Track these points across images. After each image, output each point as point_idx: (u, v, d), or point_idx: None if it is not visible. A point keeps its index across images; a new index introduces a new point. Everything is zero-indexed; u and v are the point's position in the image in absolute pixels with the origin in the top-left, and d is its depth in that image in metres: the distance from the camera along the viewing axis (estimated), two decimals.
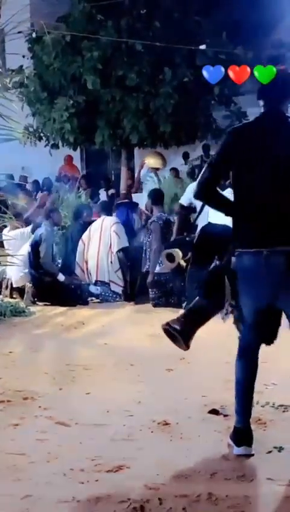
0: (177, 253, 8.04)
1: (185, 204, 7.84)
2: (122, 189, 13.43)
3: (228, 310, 3.70)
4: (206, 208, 7.38)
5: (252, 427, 3.77)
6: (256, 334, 3.65)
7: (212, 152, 14.15)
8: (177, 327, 3.82)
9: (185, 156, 14.72)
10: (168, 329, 3.88)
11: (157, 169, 12.77)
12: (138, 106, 12.61)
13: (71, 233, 9.42)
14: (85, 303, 8.50)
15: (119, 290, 8.68)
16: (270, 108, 3.60)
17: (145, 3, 12.60)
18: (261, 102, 3.64)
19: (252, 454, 3.59)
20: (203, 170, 3.71)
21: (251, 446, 3.62)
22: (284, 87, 3.65)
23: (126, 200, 10.71)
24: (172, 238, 8.20)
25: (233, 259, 3.60)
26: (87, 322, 7.40)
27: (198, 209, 7.63)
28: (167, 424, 4.10)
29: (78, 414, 4.30)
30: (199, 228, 7.57)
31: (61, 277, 8.55)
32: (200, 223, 7.45)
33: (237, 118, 14.40)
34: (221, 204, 3.74)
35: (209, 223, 7.24)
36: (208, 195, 3.72)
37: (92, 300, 8.71)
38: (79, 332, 6.96)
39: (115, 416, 4.27)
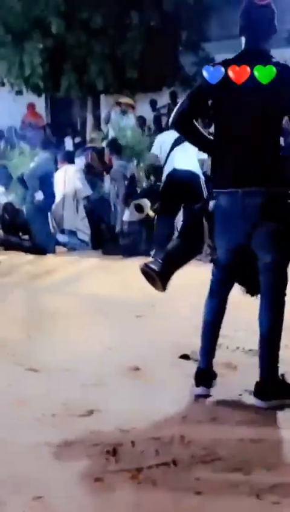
0: (146, 203, 7.99)
1: (158, 153, 7.72)
2: (89, 136, 13.24)
3: (206, 251, 3.68)
4: (172, 153, 7.33)
5: (223, 371, 3.79)
6: (227, 275, 3.61)
7: (179, 99, 13.98)
8: (155, 268, 3.81)
9: (153, 104, 14.49)
10: (146, 270, 3.86)
11: (130, 106, 12.52)
12: (104, 50, 12.33)
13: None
14: (53, 251, 8.41)
15: (86, 238, 8.61)
16: (253, 45, 3.50)
17: None
18: (243, 39, 3.54)
19: (209, 395, 3.60)
20: (181, 101, 3.62)
21: (209, 387, 3.62)
22: (268, 23, 3.52)
23: (93, 145, 10.55)
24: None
25: (210, 200, 3.54)
26: (55, 271, 7.33)
27: (164, 156, 7.56)
28: (137, 369, 4.09)
29: (47, 360, 4.27)
30: (164, 175, 7.48)
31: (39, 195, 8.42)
32: (167, 169, 7.36)
33: (205, 64, 14.20)
34: (197, 138, 3.65)
35: (174, 168, 7.14)
36: (185, 126, 3.62)
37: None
38: (47, 281, 6.90)
39: (85, 362, 4.24)
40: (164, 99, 14.23)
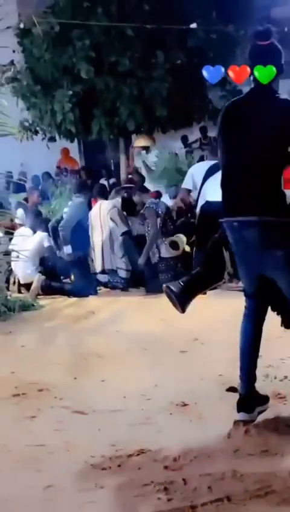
0: (181, 239, 7.99)
1: (190, 188, 7.75)
2: (123, 177, 13.36)
3: (226, 279, 3.80)
4: (205, 185, 7.35)
5: (271, 401, 3.72)
6: (256, 303, 3.67)
7: (210, 134, 14.05)
8: (175, 289, 3.89)
9: (184, 140, 14.60)
10: (167, 291, 3.95)
11: (145, 148, 12.68)
12: (132, 92, 12.50)
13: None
14: (94, 293, 8.43)
15: (127, 275, 8.56)
16: (259, 84, 3.59)
17: None
18: (251, 78, 3.64)
19: (252, 421, 3.56)
20: None
21: (251, 413, 3.60)
22: (271, 61, 3.58)
23: (130, 185, 10.62)
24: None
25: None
26: (98, 311, 7.34)
27: (197, 189, 7.57)
28: (185, 405, 4.05)
29: (94, 402, 4.25)
30: (198, 208, 7.48)
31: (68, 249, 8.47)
32: (200, 202, 7.37)
33: (232, 97, 14.25)
34: None
35: (207, 201, 7.15)
36: None
37: (100, 289, 8.64)
38: (90, 322, 6.90)
39: (132, 401, 4.22)
40: (195, 134, 14.33)
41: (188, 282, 3.96)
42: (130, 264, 8.51)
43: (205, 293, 4.26)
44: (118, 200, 8.85)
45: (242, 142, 3.51)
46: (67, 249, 8.48)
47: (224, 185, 3.63)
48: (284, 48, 3.72)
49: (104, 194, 9.21)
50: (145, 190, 10.15)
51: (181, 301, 3.90)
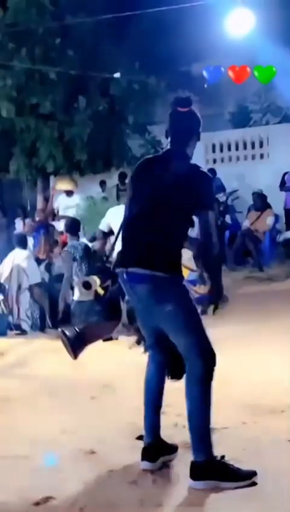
0: (94, 280, 7.95)
1: (106, 230, 7.79)
2: (39, 216, 13.30)
3: (119, 329, 3.95)
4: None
5: (180, 451, 3.75)
6: (157, 352, 3.78)
7: (128, 180, 14.22)
8: (69, 335, 3.91)
9: (102, 184, 14.74)
10: (61, 336, 3.98)
11: (69, 192, 12.70)
12: (53, 134, 12.58)
13: None
14: (3, 334, 8.28)
15: (27, 327, 8.41)
16: (173, 147, 3.71)
17: (58, 32, 12.63)
18: (168, 140, 3.75)
19: (156, 470, 3.60)
20: None
21: (153, 462, 3.65)
22: (189, 129, 3.73)
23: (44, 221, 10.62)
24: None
25: None
26: (5, 353, 7.20)
27: (115, 233, 7.62)
28: (93, 452, 4.00)
29: (0, 446, 4.14)
30: (115, 253, 7.50)
31: None
32: (118, 247, 7.39)
33: (151, 147, 14.61)
34: None
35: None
36: None
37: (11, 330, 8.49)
38: None
39: (39, 447, 4.13)
40: (113, 179, 14.50)
41: (82, 330, 4.00)
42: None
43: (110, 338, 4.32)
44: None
45: (144, 197, 3.61)
46: None
47: (122, 236, 3.74)
48: (204, 102, 3.85)
49: (24, 243, 9.10)
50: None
51: (74, 347, 3.93)
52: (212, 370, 3.50)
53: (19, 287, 8.48)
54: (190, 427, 3.51)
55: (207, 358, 3.48)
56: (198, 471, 3.43)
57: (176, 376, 3.75)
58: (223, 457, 3.53)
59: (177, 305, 3.49)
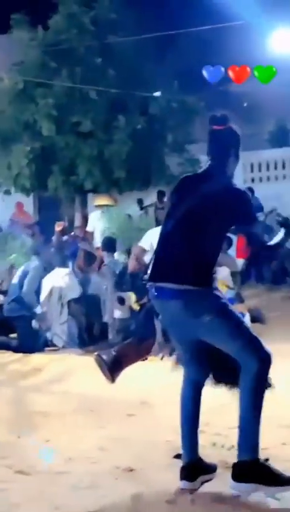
0: (129, 296, 7.99)
1: (147, 248, 7.80)
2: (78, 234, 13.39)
3: (157, 349, 3.85)
4: None
5: (219, 471, 3.69)
6: (194, 370, 3.69)
7: (166, 198, 14.27)
8: (105, 357, 3.88)
9: (139, 202, 14.80)
10: (97, 359, 3.94)
11: (104, 206, 12.73)
12: (92, 152, 12.70)
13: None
14: (41, 349, 8.30)
15: (60, 343, 8.41)
16: (212, 166, 3.72)
17: (99, 52, 12.79)
18: (208, 160, 3.77)
19: (194, 489, 3.54)
20: None
21: (192, 481, 3.57)
22: (223, 147, 3.73)
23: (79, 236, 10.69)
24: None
25: None
26: (44, 369, 7.22)
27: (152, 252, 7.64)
28: (131, 470, 3.98)
29: (38, 462, 4.15)
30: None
31: (38, 309, 8.36)
32: None
33: (190, 165, 14.63)
34: None
35: None
36: None
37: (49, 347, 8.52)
38: (36, 380, 6.77)
39: (77, 463, 4.12)
40: (151, 197, 14.55)
41: (119, 351, 3.96)
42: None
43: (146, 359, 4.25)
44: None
45: (180, 214, 3.60)
46: (38, 309, 8.39)
47: (155, 251, 3.74)
48: (243, 121, 3.85)
49: (64, 263, 9.20)
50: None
51: (111, 371, 3.90)
52: (268, 367, 3.45)
53: (60, 304, 8.50)
54: (240, 426, 3.46)
55: (261, 355, 3.44)
56: (242, 471, 3.38)
57: (223, 379, 3.70)
58: (267, 460, 3.48)
59: (215, 312, 3.46)
